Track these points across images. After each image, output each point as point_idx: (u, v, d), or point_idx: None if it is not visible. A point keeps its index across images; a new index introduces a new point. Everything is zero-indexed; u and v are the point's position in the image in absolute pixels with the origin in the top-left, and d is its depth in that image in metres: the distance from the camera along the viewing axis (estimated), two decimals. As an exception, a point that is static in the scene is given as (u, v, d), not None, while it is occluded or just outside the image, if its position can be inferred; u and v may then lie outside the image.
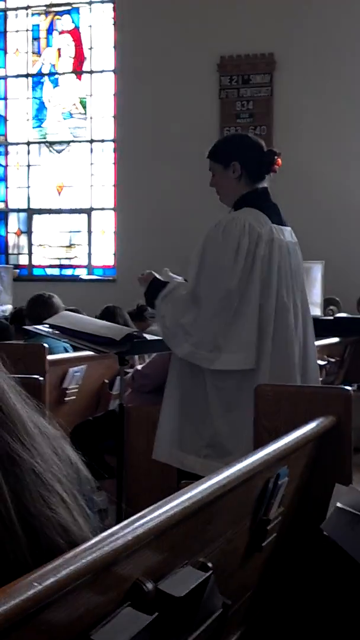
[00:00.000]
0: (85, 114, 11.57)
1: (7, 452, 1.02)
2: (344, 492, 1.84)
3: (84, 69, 11.59)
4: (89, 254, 11.51)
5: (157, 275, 3.47)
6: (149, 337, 4.09)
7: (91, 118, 11.51)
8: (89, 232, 11.51)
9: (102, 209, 11.44)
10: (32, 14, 11.79)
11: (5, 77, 11.88)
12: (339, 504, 1.67)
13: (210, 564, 1.36)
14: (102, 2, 11.42)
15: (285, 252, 3.33)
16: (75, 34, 11.63)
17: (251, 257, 3.22)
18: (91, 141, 11.51)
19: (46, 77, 11.79)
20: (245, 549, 1.71)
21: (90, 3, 11.50)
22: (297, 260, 3.42)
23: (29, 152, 11.77)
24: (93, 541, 1.02)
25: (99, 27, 11.46)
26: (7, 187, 11.87)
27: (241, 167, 3.34)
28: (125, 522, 1.12)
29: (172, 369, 3.39)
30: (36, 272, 11.72)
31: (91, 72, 11.54)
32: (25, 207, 11.79)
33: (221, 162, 3.38)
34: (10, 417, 1.05)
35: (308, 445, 2.05)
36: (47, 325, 3.80)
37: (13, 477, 1.00)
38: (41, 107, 11.78)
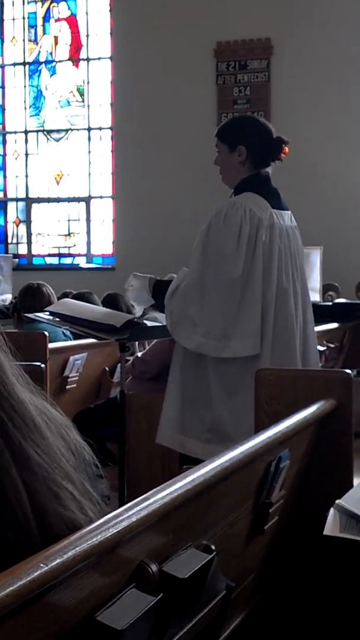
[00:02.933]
0: (82, 101, 11.54)
1: (21, 450, 1.03)
2: None
3: (80, 56, 11.56)
4: (88, 243, 11.50)
5: (149, 276, 3.50)
6: (149, 323, 4.09)
7: (88, 106, 11.49)
8: (88, 220, 11.50)
9: (101, 197, 11.43)
10: (29, 2, 11.74)
11: (2, 66, 11.84)
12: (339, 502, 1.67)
13: (213, 547, 1.37)
14: (98, -11, 11.38)
15: (285, 237, 3.32)
16: (71, 21, 11.59)
17: (253, 243, 3.22)
18: (89, 129, 11.48)
19: (43, 65, 11.75)
20: (247, 531, 1.73)
21: (86, -10, 11.47)
22: (297, 244, 3.42)
23: (26, 141, 11.75)
24: (98, 523, 1.04)
25: (95, 14, 11.41)
26: (5, 177, 11.85)
27: (247, 151, 3.32)
28: (129, 504, 1.13)
29: (175, 355, 3.40)
30: (35, 261, 11.72)
31: (88, 59, 11.50)
32: (24, 196, 11.78)
33: (228, 144, 3.36)
34: (22, 415, 1.06)
35: (309, 429, 2.06)
36: (48, 313, 3.81)
37: (27, 475, 1.02)
38: (39, 95, 11.75)
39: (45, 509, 1.02)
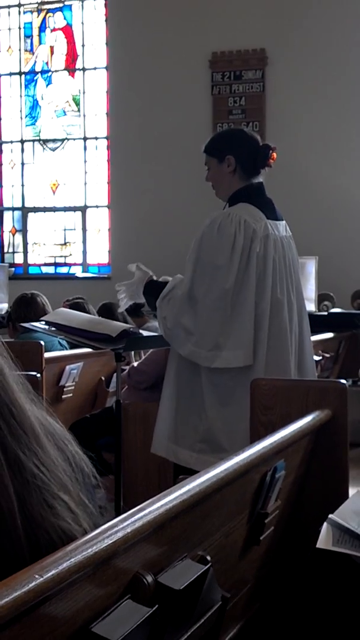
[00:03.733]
0: (78, 111, 11.57)
1: (16, 458, 1.03)
2: None
3: (76, 66, 11.58)
4: (84, 252, 11.51)
5: (151, 273, 3.48)
6: (145, 333, 4.10)
7: (84, 115, 11.51)
8: (84, 229, 11.51)
9: (97, 206, 11.44)
10: (24, 12, 11.77)
11: (-2, 76, 11.87)
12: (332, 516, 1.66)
13: (209, 557, 1.37)
14: (94, -1, 11.42)
15: (279, 248, 3.32)
16: (67, 31, 11.62)
17: (246, 255, 3.22)
18: (85, 139, 11.50)
19: (39, 75, 11.77)
20: (243, 542, 1.73)
21: (82, 0, 11.49)
22: (292, 254, 3.42)
23: (22, 151, 11.76)
24: (93, 534, 1.04)
25: (91, 24, 11.45)
26: (1, 186, 11.86)
27: (235, 160, 3.34)
28: (125, 515, 1.13)
29: (170, 364, 3.41)
30: (32, 270, 11.71)
31: (84, 69, 11.53)
32: (20, 205, 11.78)
33: (216, 156, 3.38)
34: (20, 423, 1.06)
35: (304, 439, 2.06)
36: (44, 322, 3.81)
37: (20, 483, 1.01)
38: (34, 105, 11.77)
39: (36, 519, 1.02)
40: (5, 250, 11.87)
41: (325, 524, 1.62)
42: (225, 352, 3.19)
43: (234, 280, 3.19)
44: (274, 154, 3.38)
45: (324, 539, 1.60)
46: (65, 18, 11.62)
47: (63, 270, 11.61)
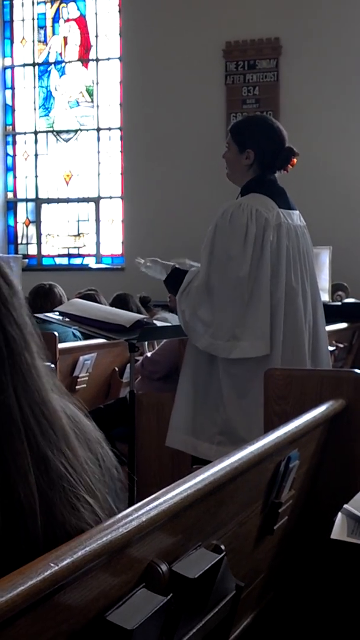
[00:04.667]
0: (92, 102, 11.55)
1: (44, 458, 1.03)
2: None
3: (90, 57, 11.57)
4: (98, 243, 11.51)
5: (173, 264, 3.48)
6: (158, 323, 4.10)
7: (98, 106, 11.49)
8: (97, 220, 11.51)
9: (110, 197, 11.43)
10: (38, 3, 11.75)
11: (12, 67, 11.85)
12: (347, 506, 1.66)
13: (223, 546, 1.37)
14: (107, -11, 11.39)
15: (293, 236, 3.31)
16: (81, 21, 11.60)
17: (260, 244, 3.21)
18: (98, 129, 11.49)
19: (52, 66, 11.76)
20: (257, 531, 1.73)
21: (95, -9, 11.48)
22: (306, 243, 3.41)
23: (36, 142, 11.76)
24: (107, 523, 1.04)
25: (105, 14, 11.42)
26: (15, 177, 11.87)
27: (255, 155, 3.32)
28: (139, 504, 1.13)
29: (186, 357, 3.40)
30: (45, 261, 11.73)
31: (97, 60, 11.51)
32: (34, 196, 11.79)
33: (238, 144, 3.35)
34: (51, 423, 1.06)
35: (318, 429, 2.06)
36: (58, 313, 3.82)
37: (46, 482, 1.02)
38: (48, 96, 11.76)
39: (57, 519, 1.02)
40: (19, 241, 11.88)
41: (339, 514, 1.62)
42: (243, 343, 3.18)
43: (248, 269, 3.18)
44: (295, 160, 3.34)
45: (339, 530, 1.59)
46: (78, 8, 11.60)
47: (76, 261, 11.62)
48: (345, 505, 1.65)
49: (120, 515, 1.08)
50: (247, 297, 3.19)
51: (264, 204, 3.27)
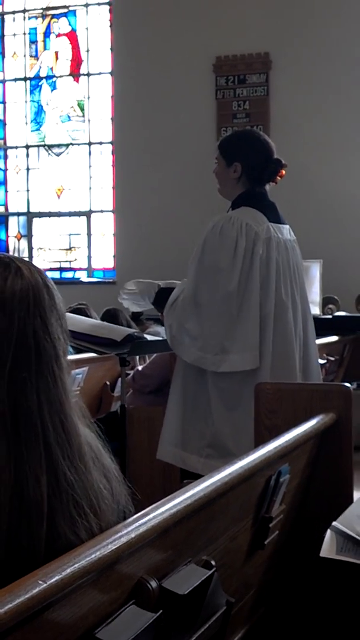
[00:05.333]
0: (83, 116, 11.58)
1: (55, 462, 1.05)
2: None
3: (81, 71, 11.60)
4: (89, 257, 11.52)
5: (158, 282, 3.48)
6: (149, 337, 4.10)
7: (89, 121, 11.52)
8: (89, 234, 11.52)
9: (102, 211, 11.44)
10: (29, 18, 11.80)
11: (3, 81, 11.88)
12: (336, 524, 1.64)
13: (213, 562, 1.37)
14: (99, 4, 11.42)
15: (283, 250, 3.31)
16: (72, 36, 11.64)
17: (249, 257, 3.20)
18: (89, 144, 11.51)
19: (44, 80, 11.79)
20: (248, 546, 1.72)
21: (86, 5, 11.51)
22: (296, 258, 3.40)
23: (28, 156, 11.78)
24: (97, 539, 1.04)
25: (96, 29, 11.46)
26: (6, 191, 11.87)
27: (242, 169, 3.32)
28: (128, 520, 1.13)
29: (176, 371, 3.39)
30: (36, 275, 11.71)
31: (88, 74, 11.54)
32: (25, 210, 11.80)
33: (225, 158, 3.35)
34: (67, 434, 1.09)
35: (309, 443, 2.05)
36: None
37: (53, 489, 1.03)
38: (39, 111, 11.79)
39: (56, 526, 1.03)
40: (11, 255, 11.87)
41: (328, 531, 1.60)
42: (232, 356, 3.17)
43: (237, 283, 3.17)
44: (283, 171, 3.34)
45: (328, 548, 1.58)
46: (70, 23, 11.64)
47: (68, 275, 11.62)
48: (334, 523, 1.64)
49: (109, 531, 1.07)
50: (236, 310, 3.18)
51: (254, 217, 3.27)
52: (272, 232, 3.28)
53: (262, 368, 3.19)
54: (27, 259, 1.37)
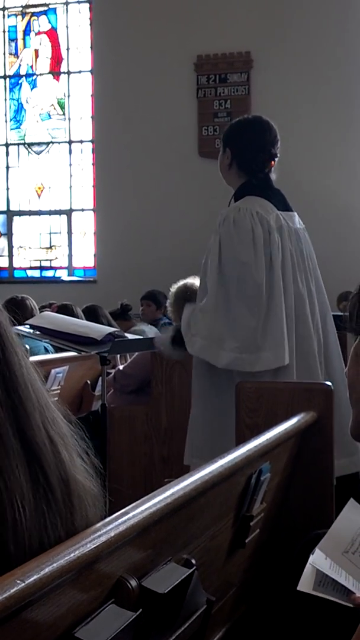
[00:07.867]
0: (63, 114, 11.54)
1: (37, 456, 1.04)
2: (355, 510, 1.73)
3: (61, 69, 11.56)
4: (70, 255, 11.48)
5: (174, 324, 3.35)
6: (130, 336, 4.09)
7: (69, 119, 11.48)
8: (69, 233, 11.48)
9: (82, 210, 11.41)
10: (9, 15, 11.74)
11: (-18, 79, 11.83)
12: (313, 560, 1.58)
13: (193, 561, 1.36)
14: (79, 2, 11.39)
15: (295, 239, 3.15)
16: (52, 34, 11.60)
17: (268, 246, 3.03)
18: (70, 142, 11.48)
19: (24, 78, 11.74)
20: (228, 545, 1.72)
21: (66, 3, 11.47)
22: (307, 246, 3.24)
23: (7, 154, 11.72)
24: (76, 538, 1.03)
25: (76, 27, 11.43)
26: (-14, 189, 11.83)
27: (232, 155, 3.20)
28: (108, 519, 1.12)
29: (195, 379, 3.19)
30: (17, 274, 11.67)
31: (68, 72, 11.51)
32: (5, 209, 11.74)
33: (222, 144, 3.26)
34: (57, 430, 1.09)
35: (290, 441, 2.05)
36: (28, 326, 3.79)
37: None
38: (19, 109, 11.74)
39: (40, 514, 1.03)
40: (-9, 254, 11.83)
41: (308, 564, 1.54)
42: (264, 353, 2.95)
43: (264, 274, 2.97)
44: (273, 162, 3.22)
45: (306, 581, 1.52)
46: (49, 21, 11.59)
47: (49, 273, 11.58)
48: (314, 556, 1.57)
49: (88, 530, 1.06)
50: (266, 304, 2.98)
51: (262, 206, 3.11)
52: (282, 220, 3.13)
53: (290, 364, 2.99)
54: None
